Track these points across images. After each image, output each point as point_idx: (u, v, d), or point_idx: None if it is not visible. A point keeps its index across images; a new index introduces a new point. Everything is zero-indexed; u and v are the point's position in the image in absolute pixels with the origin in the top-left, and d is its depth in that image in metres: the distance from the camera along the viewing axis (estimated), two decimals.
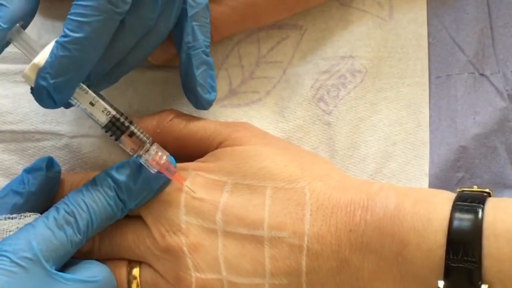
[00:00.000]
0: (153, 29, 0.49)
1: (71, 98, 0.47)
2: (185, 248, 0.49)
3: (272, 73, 0.57)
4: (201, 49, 0.51)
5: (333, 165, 0.53)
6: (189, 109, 0.55)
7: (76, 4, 0.44)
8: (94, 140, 0.55)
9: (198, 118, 0.54)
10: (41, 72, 0.45)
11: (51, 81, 0.45)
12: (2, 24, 0.44)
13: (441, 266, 0.45)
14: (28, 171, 0.50)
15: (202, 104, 0.52)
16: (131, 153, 0.49)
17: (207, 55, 0.51)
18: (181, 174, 0.49)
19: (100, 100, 0.48)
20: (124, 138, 0.49)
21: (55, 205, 0.48)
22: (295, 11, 0.56)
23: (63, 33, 0.44)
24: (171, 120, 0.53)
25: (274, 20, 0.56)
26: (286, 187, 0.49)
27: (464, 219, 0.45)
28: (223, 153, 0.51)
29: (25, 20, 0.46)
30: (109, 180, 0.48)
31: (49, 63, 0.45)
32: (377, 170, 0.54)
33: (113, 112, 0.48)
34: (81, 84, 0.47)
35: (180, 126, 0.52)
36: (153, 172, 0.49)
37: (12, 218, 0.48)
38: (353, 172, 0.54)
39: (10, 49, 0.55)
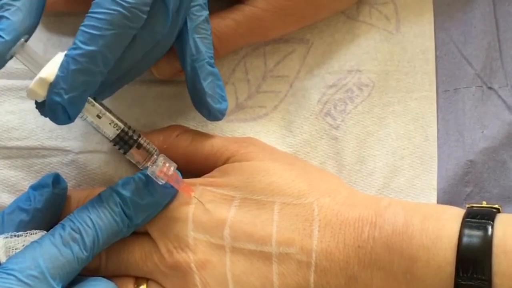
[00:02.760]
0: (160, 41, 0.49)
1: None
2: (192, 265, 0.48)
3: (279, 87, 0.56)
4: (206, 60, 0.50)
5: (341, 181, 0.53)
6: (195, 124, 0.55)
7: (89, 16, 0.44)
8: (100, 156, 0.55)
9: (204, 134, 0.54)
10: (54, 87, 0.44)
11: (66, 96, 0.44)
12: (5, 36, 0.43)
13: (450, 284, 0.44)
14: (34, 187, 0.50)
15: (215, 114, 0.51)
16: (138, 165, 0.49)
17: (212, 66, 0.51)
18: (189, 185, 0.49)
19: (107, 113, 0.48)
20: (131, 150, 0.48)
21: (61, 222, 0.47)
22: (302, 25, 0.56)
23: (74, 45, 0.44)
24: (177, 135, 0.53)
25: (281, 34, 0.56)
26: (295, 203, 0.49)
27: (473, 236, 0.45)
28: (231, 169, 0.51)
29: (29, 33, 0.45)
30: (115, 196, 0.48)
31: (61, 78, 0.44)
32: (385, 185, 0.54)
33: (121, 125, 0.48)
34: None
35: (186, 142, 0.52)
36: (160, 183, 0.49)
37: (18, 236, 0.48)
38: (360, 187, 0.54)
39: (16, 65, 0.56)
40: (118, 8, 0.43)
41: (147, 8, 0.45)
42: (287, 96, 0.56)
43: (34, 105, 0.55)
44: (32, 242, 0.46)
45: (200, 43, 0.50)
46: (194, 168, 0.52)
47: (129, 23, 0.44)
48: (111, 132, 0.48)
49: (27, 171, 0.54)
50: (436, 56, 0.56)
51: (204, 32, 0.50)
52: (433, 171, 0.54)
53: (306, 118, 0.55)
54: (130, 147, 0.48)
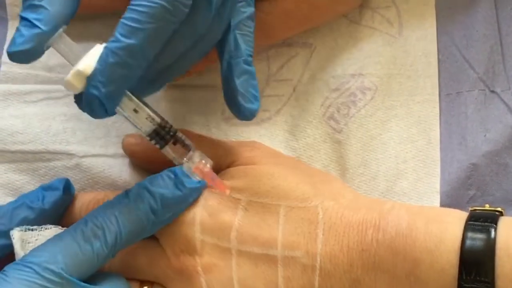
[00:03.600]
0: (202, 38, 0.48)
1: None
2: (199, 269, 0.49)
3: (282, 91, 0.57)
4: (243, 58, 0.49)
5: (344, 184, 0.53)
6: (199, 128, 0.55)
7: (130, 9, 0.43)
8: (104, 159, 0.55)
9: (209, 138, 0.54)
10: (92, 80, 0.43)
11: (103, 90, 0.43)
12: (42, 27, 0.41)
13: (454, 286, 0.44)
14: (45, 188, 0.50)
15: (245, 114, 0.49)
16: (174, 161, 0.48)
17: (248, 65, 0.49)
18: (224, 183, 0.49)
19: (145, 107, 0.46)
20: (167, 146, 0.47)
21: (84, 217, 0.47)
22: (305, 29, 0.56)
23: (114, 38, 0.43)
24: None
25: (284, 38, 0.57)
26: (300, 206, 0.49)
27: (476, 239, 0.45)
28: (235, 172, 0.51)
29: (66, 23, 0.43)
30: (142, 191, 0.48)
31: (99, 71, 0.43)
32: (388, 188, 0.54)
33: (158, 120, 0.47)
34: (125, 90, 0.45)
35: None
36: (196, 180, 0.48)
37: (32, 230, 0.48)
38: (364, 190, 0.54)
39: (21, 70, 0.56)
40: (160, 1, 0.42)
41: (190, 2, 0.44)
42: (290, 100, 0.56)
43: (38, 110, 0.55)
44: (54, 236, 0.46)
45: (241, 40, 0.49)
46: None
47: (170, 17, 0.43)
48: (148, 127, 0.47)
49: (32, 175, 0.55)
50: (439, 60, 0.56)
51: (246, 29, 0.49)
52: (436, 174, 0.54)
53: (309, 121, 0.56)
54: (167, 142, 0.47)
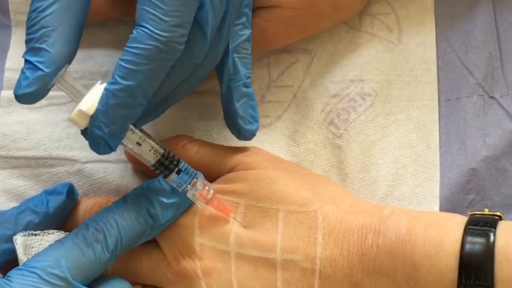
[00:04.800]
0: (201, 64, 0.49)
1: None
2: (199, 272, 0.49)
3: (283, 97, 0.57)
4: (242, 81, 0.51)
5: (344, 189, 0.53)
6: (201, 133, 0.56)
7: (127, 51, 0.44)
8: (106, 165, 0.55)
9: (210, 144, 0.54)
10: (95, 121, 0.44)
11: (106, 130, 0.44)
12: (45, 69, 0.43)
13: None
14: (49, 193, 0.51)
15: (245, 135, 0.52)
16: (178, 188, 0.49)
17: (247, 87, 0.51)
18: (227, 206, 0.50)
19: (147, 139, 0.48)
20: (171, 175, 0.49)
21: (85, 222, 0.48)
22: (305, 36, 0.56)
23: (112, 79, 0.44)
24: (183, 146, 0.53)
25: (284, 45, 0.57)
26: (299, 210, 0.49)
27: (476, 243, 0.45)
28: (236, 177, 0.51)
29: (68, 62, 0.45)
30: (140, 196, 0.49)
31: (101, 112, 0.44)
32: (388, 193, 0.55)
33: (161, 151, 0.48)
34: None
35: (192, 152, 0.53)
36: (200, 206, 0.49)
37: (35, 235, 0.48)
38: (364, 195, 0.55)
39: None
40: (155, 43, 0.43)
41: (184, 39, 0.45)
42: (291, 106, 0.57)
43: (42, 116, 0.56)
44: (55, 241, 0.47)
45: (239, 63, 0.50)
46: None
47: (166, 56, 0.44)
48: (152, 158, 0.48)
49: (35, 180, 0.55)
50: (438, 66, 0.57)
51: (244, 51, 0.51)
52: (436, 179, 0.55)
53: (309, 127, 0.56)
54: (170, 172, 0.48)
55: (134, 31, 0.44)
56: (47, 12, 0.43)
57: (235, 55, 0.50)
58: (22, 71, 0.43)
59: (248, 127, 0.52)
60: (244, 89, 0.51)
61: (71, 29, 0.44)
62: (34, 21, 0.43)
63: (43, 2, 0.43)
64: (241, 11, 0.50)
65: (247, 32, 0.51)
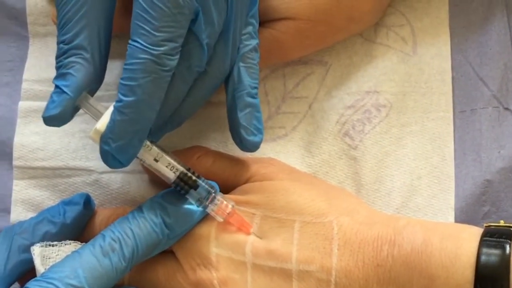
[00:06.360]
0: (206, 74, 0.49)
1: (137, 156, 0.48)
2: (215, 282, 0.49)
3: (298, 108, 0.57)
4: (246, 91, 0.50)
5: (359, 200, 0.54)
6: (216, 144, 0.56)
7: (125, 68, 0.45)
8: (123, 175, 0.56)
9: (225, 155, 0.54)
10: (103, 137, 0.46)
11: (113, 145, 0.46)
12: (69, 93, 0.45)
13: None
14: (66, 203, 0.51)
15: (247, 146, 0.51)
16: (197, 204, 0.49)
17: (252, 97, 0.51)
18: (247, 222, 0.50)
19: (164, 155, 0.48)
20: (190, 191, 0.49)
21: (102, 232, 0.48)
22: (320, 47, 0.57)
23: (117, 98, 0.45)
24: (199, 157, 0.53)
25: (300, 56, 0.57)
26: (314, 221, 0.49)
27: (491, 255, 0.45)
28: (251, 188, 0.52)
29: (92, 87, 0.47)
30: (155, 205, 0.49)
31: (109, 128, 0.46)
32: (403, 204, 0.55)
33: (180, 168, 0.49)
34: (145, 140, 0.48)
35: (208, 164, 0.53)
36: (219, 220, 0.50)
37: (52, 245, 0.49)
38: (379, 206, 0.55)
39: (41, 87, 0.57)
40: (148, 56, 0.44)
41: (177, 51, 0.46)
42: (306, 117, 0.57)
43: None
44: (72, 252, 0.47)
45: (244, 73, 0.50)
46: None
47: (161, 67, 0.45)
48: (170, 175, 0.49)
49: (52, 190, 0.56)
50: (453, 77, 0.57)
51: (250, 61, 0.51)
52: (451, 190, 0.55)
53: (324, 138, 0.56)
54: (190, 187, 0.49)
55: (128, 46, 0.45)
56: (75, 42, 0.45)
57: (241, 64, 0.50)
58: (51, 96, 0.46)
59: (251, 138, 0.51)
60: (249, 99, 0.51)
61: (99, 54, 0.46)
62: (65, 48, 0.46)
63: (73, 30, 0.46)
64: (247, 21, 0.50)
65: (253, 42, 0.51)
